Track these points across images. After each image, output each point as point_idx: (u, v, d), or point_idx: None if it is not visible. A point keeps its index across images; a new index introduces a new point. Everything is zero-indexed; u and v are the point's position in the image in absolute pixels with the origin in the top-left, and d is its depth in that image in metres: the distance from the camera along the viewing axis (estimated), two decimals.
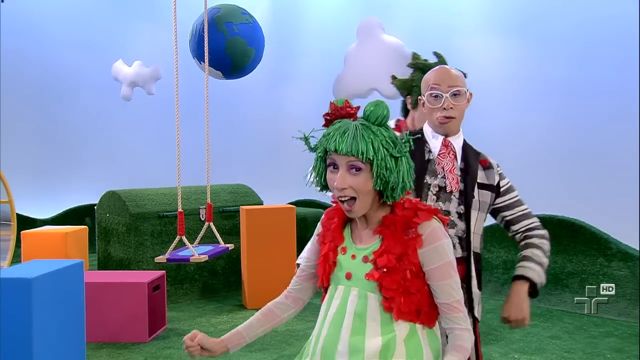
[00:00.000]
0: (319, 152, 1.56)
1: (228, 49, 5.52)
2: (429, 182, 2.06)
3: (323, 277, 1.65)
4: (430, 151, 2.10)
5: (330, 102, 1.56)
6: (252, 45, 5.68)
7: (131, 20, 9.72)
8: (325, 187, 1.62)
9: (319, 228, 1.74)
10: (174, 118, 4.13)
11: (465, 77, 2.50)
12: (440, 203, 2.06)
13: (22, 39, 9.88)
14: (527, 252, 2.14)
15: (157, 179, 7.12)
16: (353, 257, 1.60)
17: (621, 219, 5.66)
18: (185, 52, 5.71)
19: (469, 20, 6.86)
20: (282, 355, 4.36)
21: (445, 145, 2.11)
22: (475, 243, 2.08)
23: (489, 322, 4.94)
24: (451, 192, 2.06)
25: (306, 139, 1.61)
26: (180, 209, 4.09)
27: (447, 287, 1.55)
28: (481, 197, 2.09)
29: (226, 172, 8.04)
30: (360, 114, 1.57)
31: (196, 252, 4.04)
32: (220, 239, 4.55)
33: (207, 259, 4.08)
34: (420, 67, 2.75)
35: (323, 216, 1.73)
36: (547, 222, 5.73)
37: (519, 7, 6.53)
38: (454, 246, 2.02)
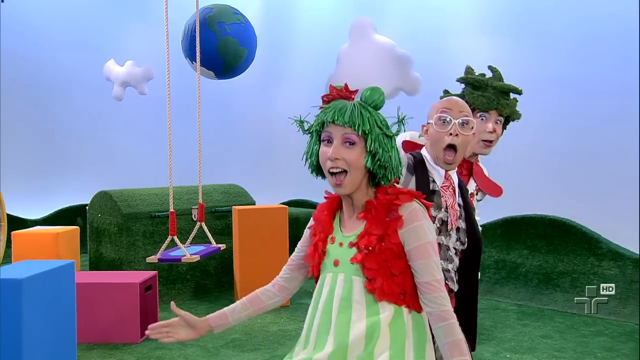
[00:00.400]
0: (315, 128, 1.61)
1: (220, 49, 5.50)
2: (433, 215, 2.00)
3: (313, 267, 1.69)
4: (434, 181, 2.06)
5: (330, 85, 1.64)
6: (244, 45, 5.66)
7: (123, 20, 9.69)
8: (317, 169, 1.66)
9: (311, 221, 1.78)
10: (166, 118, 4.12)
11: (521, 93, 2.53)
12: (442, 237, 2.02)
13: (16, 38, 9.82)
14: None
15: (149, 179, 7.10)
16: (340, 244, 1.64)
17: (611, 218, 5.70)
18: (177, 52, 5.69)
19: (461, 20, 6.88)
20: (274, 356, 4.35)
21: (446, 178, 2.07)
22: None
23: (480, 322, 4.94)
24: (452, 228, 2.03)
25: (301, 122, 1.67)
26: (171, 209, 4.08)
27: (428, 266, 1.56)
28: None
29: (219, 172, 8.02)
30: (357, 99, 1.63)
31: (188, 252, 4.03)
32: (212, 239, 4.54)
33: (199, 259, 4.07)
34: (471, 82, 2.59)
35: (315, 210, 1.77)
36: (539, 221, 5.83)
37: (511, 7, 6.56)
38: (453, 280, 2.02)
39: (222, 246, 4.54)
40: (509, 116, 2.57)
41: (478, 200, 2.66)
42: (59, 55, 9.93)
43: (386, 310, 1.56)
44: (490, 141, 2.51)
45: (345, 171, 1.57)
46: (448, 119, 2.03)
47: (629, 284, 5.33)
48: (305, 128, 1.67)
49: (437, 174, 2.06)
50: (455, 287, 2.04)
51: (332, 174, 1.59)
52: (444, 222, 2.02)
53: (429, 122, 2.09)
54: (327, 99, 1.62)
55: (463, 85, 2.68)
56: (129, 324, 4.63)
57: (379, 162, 1.57)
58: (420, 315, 1.62)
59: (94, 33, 9.71)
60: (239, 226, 5.74)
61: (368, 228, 1.59)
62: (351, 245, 1.61)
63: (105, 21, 9.74)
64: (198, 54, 4.55)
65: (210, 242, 4.57)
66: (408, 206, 1.59)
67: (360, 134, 1.56)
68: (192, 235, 4.51)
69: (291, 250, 4.04)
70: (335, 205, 1.71)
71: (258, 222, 5.73)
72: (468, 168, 2.57)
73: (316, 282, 1.70)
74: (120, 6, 9.70)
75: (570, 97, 6.03)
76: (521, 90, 2.57)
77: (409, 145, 2.42)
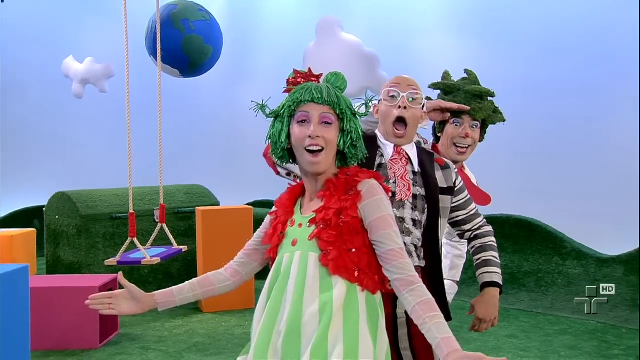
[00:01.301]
0: (287, 108, 1.62)
1: (185, 47, 5.39)
2: None
3: (271, 249, 1.70)
4: (382, 155, 2.05)
5: (294, 69, 1.67)
6: (210, 43, 5.57)
7: (82, 15, 9.43)
8: (285, 153, 1.67)
9: (273, 208, 1.78)
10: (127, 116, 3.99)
11: (494, 96, 2.47)
12: (394, 210, 1.97)
13: None
14: (486, 255, 2.17)
15: (110, 180, 6.92)
16: (300, 225, 1.66)
17: (575, 218, 5.77)
18: (141, 49, 5.55)
19: (428, 19, 6.90)
20: None
21: (397, 151, 2.05)
22: (440, 250, 2.05)
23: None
24: (401, 199, 1.99)
25: (262, 107, 1.68)
26: (131, 210, 3.97)
27: (389, 236, 1.59)
28: (442, 202, 2.05)
29: (182, 172, 7.88)
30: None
31: (148, 255, 3.93)
32: (173, 240, 4.44)
33: (160, 261, 3.97)
34: (442, 87, 2.54)
35: (277, 197, 1.79)
36: (505, 221, 5.86)
37: (478, 7, 6.60)
38: (411, 254, 1.96)
39: (184, 248, 4.44)
40: (486, 120, 2.50)
41: None
42: (15, 50, 9.60)
43: (338, 285, 1.56)
44: (464, 147, 2.44)
45: (323, 149, 1.61)
46: (397, 94, 2.04)
47: (592, 282, 5.39)
48: (268, 112, 1.68)
49: (386, 149, 2.05)
50: (420, 263, 1.99)
51: (310, 152, 1.60)
52: (393, 194, 1.99)
53: (379, 100, 2.10)
54: (293, 81, 1.66)
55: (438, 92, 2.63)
56: (87, 329, 4.51)
57: (351, 142, 1.64)
58: (374, 297, 1.61)
59: (51, 28, 9.43)
60: (202, 227, 5.63)
61: (327, 203, 1.61)
62: (310, 223, 1.63)
63: (63, 16, 9.47)
64: (159, 51, 4.43)
65: (171, 244, 4.47)
66: (366, 182, 1.63)
67: (337, 112, 1.61)
68: (152, 237, 4.41)
69: None
70: (297, 191, 1.74)
71: (222, 223, 5.63)
72: None
73: (272, 264, 1.70)
74: (79, 0, 9.45)
75: (535, 98, 6.08)
76: (494, 93, 2.49)
77: None
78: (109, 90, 7.24)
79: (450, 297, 2.65)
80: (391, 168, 2.02)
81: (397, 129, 2.04)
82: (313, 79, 1.67)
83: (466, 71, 2.60)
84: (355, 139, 1.64)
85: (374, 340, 1.56)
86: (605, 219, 5.60)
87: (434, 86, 2.55)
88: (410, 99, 2.04)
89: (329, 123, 1.61)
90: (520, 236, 5.85)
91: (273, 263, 1.70)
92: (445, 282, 2.66)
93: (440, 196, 2.03)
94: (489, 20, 6.47)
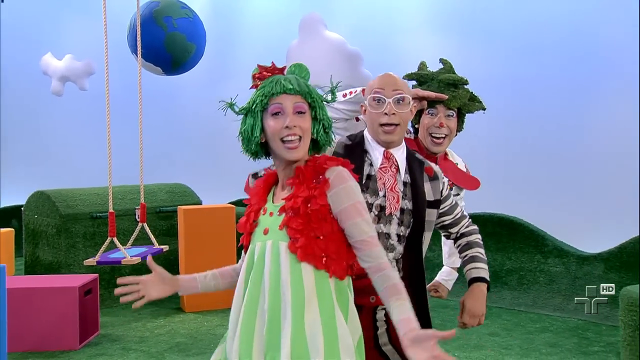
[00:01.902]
0: (259, 103, 1.62)
1: (167, 45, 5.33)
2: (369, 202, 1.94)
3: (245, 236, 1.71)
4: (371, 164, 1.98)
5: (258, 65, 1.68)
6: (193, 41, 5.51)
7: (62, 11, 9.30)
8: (259, 149, 1.68)
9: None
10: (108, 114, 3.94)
11: (467, 83, 2.43)
12: (382, 225, 1.95)
13: None
14: (473, 252, 2.16)
15: (90, 179, 6.84)
16: (271, 214, 1.67)
17: (557, 216, 5.81)
18: (122, 46, 5.48)
19: (411, 17, 6.91)
20: None
21: (387, 157, 1.99)
22: (423, 263, 2.03)
23: None
24: (390, 213, 1.95)
25: (231, 105, 1.70)
26: (111, 209, 3.92)
27: (360, 225, 1.60)
28: (428, 216, 2.01)
29: (164, 171, 7.81)
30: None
31: (128, 254, 3.89)
32: (154, 240, 4.39)
33: (140, 261, 3.92)
34: (415, 78, 2.50)
35: (249, 186, 1.83)
36: (487, 220, 5.88)
37: (460, 5, 6.62)
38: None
39: (165, 247, 4.40)
40: (462, 109, 2.46)
41: (454, 195, 2.56)
42: None
43: (308, 272, 1.57)
44: (440, 137, 2.38)
45: (300, 138, 1.63)
46: (382, 99, 1.99)
47: (573, 280, 5.44)
48: (237, 110, 1.70)
49: (375, 155, 2.00)
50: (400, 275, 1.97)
51: (287, 141, 1.62)
52: (382, 208, 1.95)
53: (367, 99, 2.05)
54: (259, 76, 1.67)
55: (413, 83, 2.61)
56: (67, 330, 4.44)
57: (323, 129, 1.68)
58: (342, 284, 1.62)
59: (29, 24, 9.28)
60: (184, 227, 5.58)
61: (295, 192, 1.63)
62: (280, 211, 1.64)
63: (41, 11, 9.32)
64: (139, 48, 4.38)
65: (152, 244, 4.42)
66: (334, 169, 1.63)
67: (309, 101, 1.64)
68: (133, 237, 4.36)
69: (239, 251, 3.94)
70: (271, 180, 1.76)
71: (204, 222, 5.58)
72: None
73: (245, 251, 1.71)
74: None
75: (517, 96, 6.12)
76: (467, 80, 2.45)
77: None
78: (89, 88, 7.14)
79: (449, 284, 2.65)
80: (380, 178, 1.97)
81: (386, 129, 1.97)
82: (277, 72, 1.68)
83: (441, 60, 2.58)
84: (327, 126, 1.69)
85: (346, 320, 1.60)
86: (586, 217, 5.66)
87: (408, 77, 2.52)
88: (397, 102, 1.98)
89: (302, 112, 1.63)
90: (503, 234, 5.88)
91: (246, 251, 1.71)
92: (445, 268, 2.67)
93: (426, 209, 1.99)
94: (472, 18, 6.49)
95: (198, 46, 5.59)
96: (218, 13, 8.39)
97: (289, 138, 1.62)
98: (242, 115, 1.69)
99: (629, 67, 5.46)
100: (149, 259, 1.78)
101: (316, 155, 1.71)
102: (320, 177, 1.62)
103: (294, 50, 5.38)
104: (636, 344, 3.88)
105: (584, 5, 5.74)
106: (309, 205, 1.59)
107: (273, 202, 1.70)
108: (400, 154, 2.02)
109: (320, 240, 1.59)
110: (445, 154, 2.54)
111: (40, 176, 8.76)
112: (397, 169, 1.99)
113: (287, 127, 1.61)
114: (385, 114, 1.97)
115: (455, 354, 4.33)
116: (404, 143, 2.06)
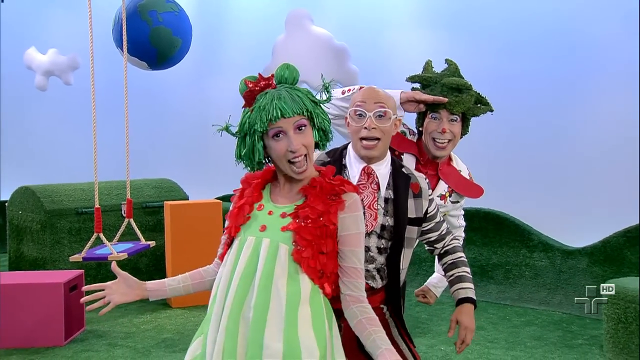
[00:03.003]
0: (258, 128, 1.59)
1: (152, 39, 5.28)
2: None
3: (232, 227, 1.68)
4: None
5: (245, 81, 1.62)
6: (178, 35, 5.46)
7: (46, 5, 9.19)
8: (262, 163, 1.67)
9: (239, 186, 1.76)
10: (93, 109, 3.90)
11: (471, 89, 2.36)
12: None
13: None
14: (459, 271, 2.14)
15: (76, 174, 6.79)
16: (270, 213, 1.65)
17: (542, 211, 5.86)
18: (107, 41, 5.43)
19: (398, 12, 6.91)
20: None
21: (368, 173, 1.96)
22: (403, 277, 2.03)
23: (416, 315, 4.98)
24: (367, 229, 1.91)
25: (226, 128, 1.67)
26: (97, 205, 3.89)
27: (356, 254, 1.64)
28: (409, 233, 1.98)
29: (150, 166, 7.76)
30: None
31: (114, 250, 3.86)
32: (140, 235, 4.37)
33: (127, 256, 3.90)
34: (419, 80, 2.41)
35: (243, 177, 1.77)
36: (474, 214, 5.91)
37: (447, 1, 6.62)
38: (374, 278, 1.96)
39: (152, 243, 4.38)
40: (466, 113, 2.38)
41: (453, 202, 2.48)
42: None
43: (305, 283, 1.59)
44: (444, 142, 2.32)
45: (306, 155, 1.63)
46: (363, 113, 1.94)
47: (557, 274, 5.50)
48: (234, 132, 1.66)
49: (353, 172, 1.96)
50: (376, 285, 1.97)
51: (294, 163, 1.61)
52: None
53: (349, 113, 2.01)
54: (250, 95, 1.63)
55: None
56: (52, 326, 4.41)
57: (323, 132, 1.68)
58: (327, 301, 1.65)
59: (12, 17, 9.16)
60: (171, 222, 5.56)
61: (311, 202, 1.62)
62: (284, 215, 1.63)
63: (25, 4, 9.20)
64: (125, 43, 4.34)
65: (139, 239, 4.40)
66: (352, 195, 1.66)
67: (307, 115, 1.61)
68: (119, 232, 4.34)
69: None
70: (268, 176, 1.73)
71: (191, 217, 5.57)
72: (433, 169, 2.40)
73: (229, 244, 1.68)
74: None
75: (504, 92, 6.13)
76: (471, 85, 2.36)
77: (396, 141, 2.29)
78: (74, 83, 7.09)
79: (438, 292, 2.60)
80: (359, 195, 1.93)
81: (364, 142, 1.94)
82: (264, 83, 1.63)
83: (447, 61, 2.46)
84: (326, 127, 1.68)
85: (331, 330, 1.64)
86: (571, 212, 5.71)
87: (411, 79, 2.42)
88: (378, 117, 1.93)
89: (303, 127, 1.62)
90: (489, 229, 5.92)
91: (230, 241, 1.68)
92: (435, 275, 2.60)
93: (407, 227, 1.96)
94: (459, 14, 6.50)
95: (184, 40, 5.55)
96: (204, 7, 8.34)
97: (296, 160, 1.61)
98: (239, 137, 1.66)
99: (614, 63, 5.51)
100: (114, 265, 1.78)
101: (328, 170, 1.71)
102: (337, 196, 1.64)
103: (281, 45, 5.38)
104: (619, 337, 3.94)
105: (572, 2, 5.77)
106: (321, 219, 1.61)
107: (272, 200, 1.69)
108: (382, 168, 1.98)
109: (323, 255, 1.61)
110: (450, 159, 2.48)
111: (25, 172, 8.67)
112: (378, 186, 1.96)
113: (291, 150, 1.60)
114: (365, 128, 1.93)
115: (442, 347, 4.36)
116: (388, 157, 2.01)
